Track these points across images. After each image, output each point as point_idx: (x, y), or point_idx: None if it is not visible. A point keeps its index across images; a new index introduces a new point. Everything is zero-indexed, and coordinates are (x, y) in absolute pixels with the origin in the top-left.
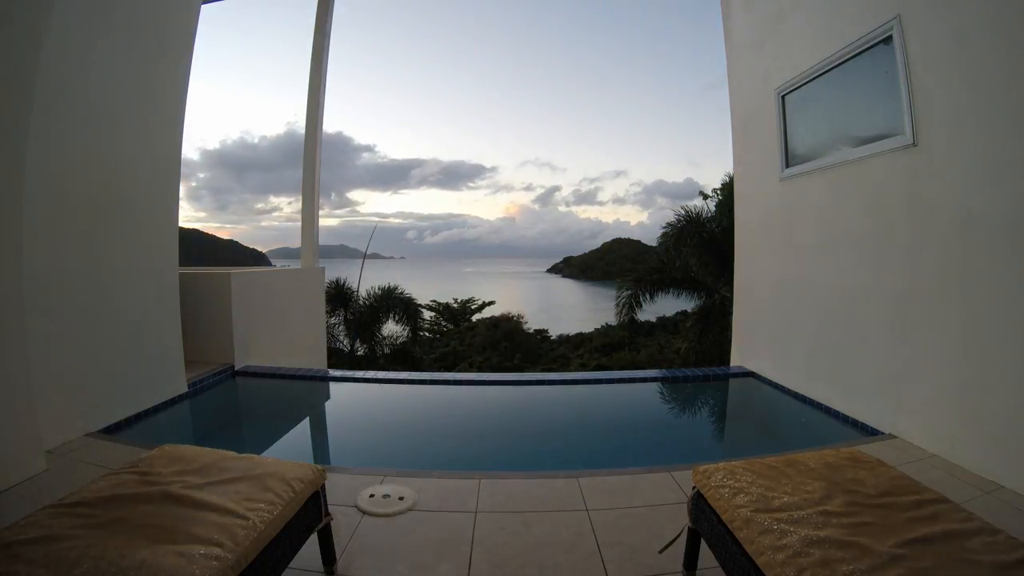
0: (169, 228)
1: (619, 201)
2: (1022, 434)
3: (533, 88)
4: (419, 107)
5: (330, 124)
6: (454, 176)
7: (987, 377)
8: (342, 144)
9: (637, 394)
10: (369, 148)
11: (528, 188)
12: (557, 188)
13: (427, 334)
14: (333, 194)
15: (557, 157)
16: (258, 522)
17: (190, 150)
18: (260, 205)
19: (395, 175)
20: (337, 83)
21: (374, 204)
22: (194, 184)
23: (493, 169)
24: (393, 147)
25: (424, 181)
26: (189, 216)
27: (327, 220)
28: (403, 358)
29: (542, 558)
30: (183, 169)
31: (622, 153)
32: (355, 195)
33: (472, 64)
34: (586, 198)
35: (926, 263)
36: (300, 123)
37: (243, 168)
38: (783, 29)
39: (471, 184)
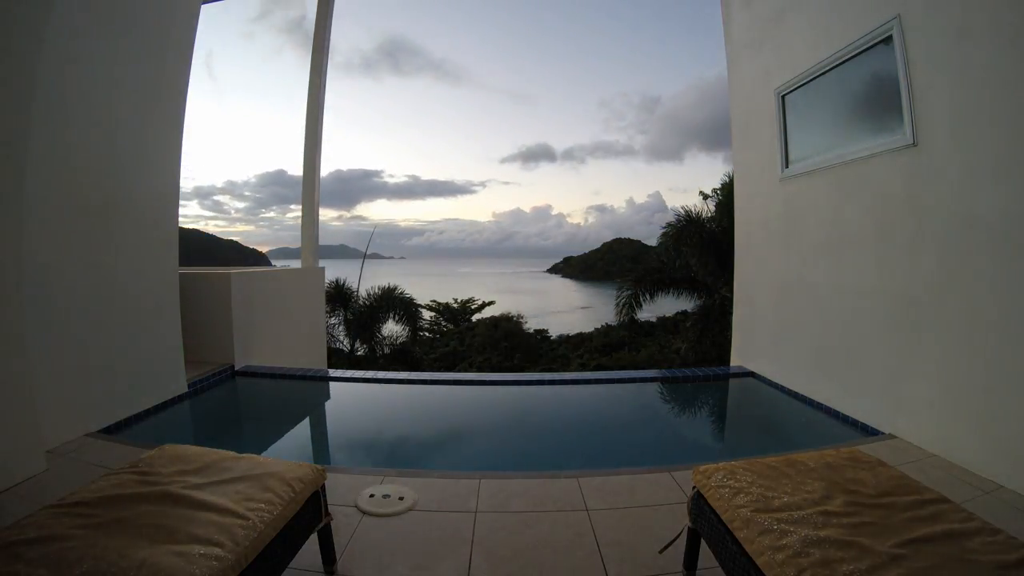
0: (169, 228)
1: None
2: (1022, 434)
3: (519, 112)
4: (421, 131)
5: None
6: (453, 186)
7: (987, 377)
8: (373, 174)
9: (637, 394)
10: (392, 175)
11: (520, 195)
12: (545, 197)
13: (427, 334)
14: (359, 205)
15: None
16: (258, 522)
17: (247, 174)
18: (291, 216)
19: (403, 190)
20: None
21: (379, 211)
22: (242, 202)
23: (492, 178)
24: (400, 168)
25: (427, 191)
26: (209, 220)
27: (329, 222)
28: (403, 358)
29: (542, 558)
30: (240, 190)
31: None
32: (366, 206)
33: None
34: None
35: (926, 263)
36: (343, 165)
37: (293, 185)
38: (783, 29)
39: (467, 193)
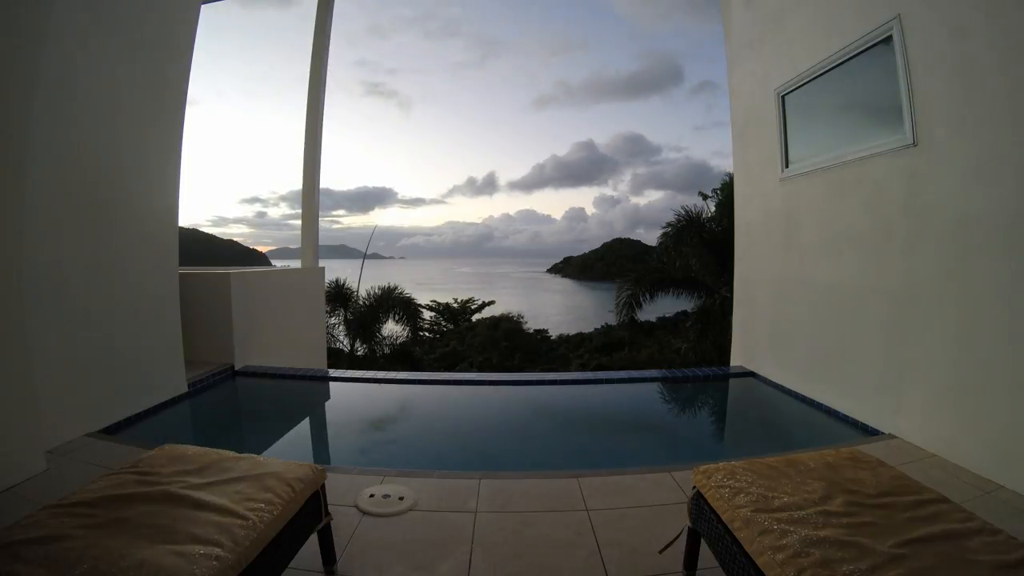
0: (169, 228)
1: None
2: (1022, 434)
3: (510, 123)
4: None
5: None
6: (452, 196)
7: (986, 377)
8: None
9: (637, 394)
10: (402, 187)
11: (513, 200)
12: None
13: (427, 334)
14: (376, 207)
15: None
16: (258, 522)
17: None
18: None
19: (413, 197)
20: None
21: (394, 216)
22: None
23: (488, 181)
24: (409, 179)
25: (432, 200)
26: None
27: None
28: (403, 358)
29: (542, 558)
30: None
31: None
32: (381, 211)
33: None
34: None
35: (925, 263)
36: (369, 182)
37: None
38: (783, 29)
39: (463, 195)
